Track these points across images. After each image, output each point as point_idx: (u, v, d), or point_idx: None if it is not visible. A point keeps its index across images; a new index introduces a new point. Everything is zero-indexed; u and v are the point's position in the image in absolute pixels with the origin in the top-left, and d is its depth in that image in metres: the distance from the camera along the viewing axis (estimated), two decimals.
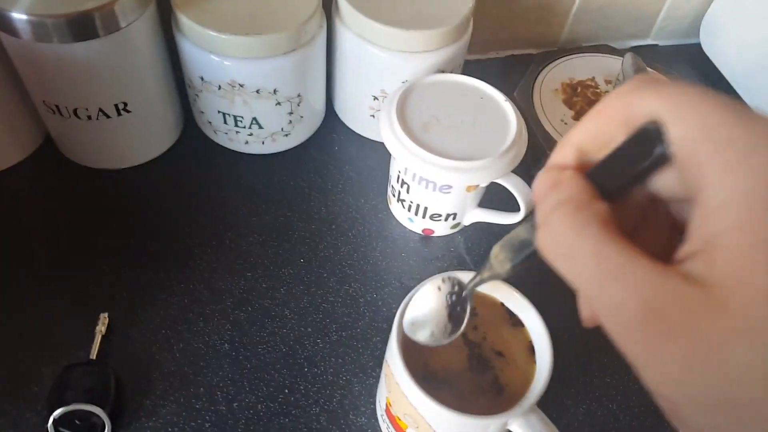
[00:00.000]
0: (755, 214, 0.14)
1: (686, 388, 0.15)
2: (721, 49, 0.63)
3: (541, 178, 0.19)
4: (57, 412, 0.36)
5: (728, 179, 0.14)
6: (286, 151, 0.53)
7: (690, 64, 0.66)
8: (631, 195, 0.17)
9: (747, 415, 0.14)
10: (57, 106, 0.45)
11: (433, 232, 0.49)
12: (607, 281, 0.16)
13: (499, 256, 0.23)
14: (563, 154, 0.18)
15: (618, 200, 0.17)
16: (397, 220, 0.50)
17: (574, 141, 0.18)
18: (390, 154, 0.44)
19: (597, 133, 0.18)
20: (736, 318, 0.14)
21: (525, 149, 0.43)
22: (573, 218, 0.16)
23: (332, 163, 0.54)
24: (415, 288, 0.33)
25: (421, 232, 0.49)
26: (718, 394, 0.15)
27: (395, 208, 0.50)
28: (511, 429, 0.30)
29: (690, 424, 0.16)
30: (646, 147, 0.16)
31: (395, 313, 0.44)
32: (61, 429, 0.36)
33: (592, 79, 0.59)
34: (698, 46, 0.66)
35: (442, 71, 0.48)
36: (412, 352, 0.31)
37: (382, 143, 0.43)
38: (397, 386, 0.31)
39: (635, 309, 0.15)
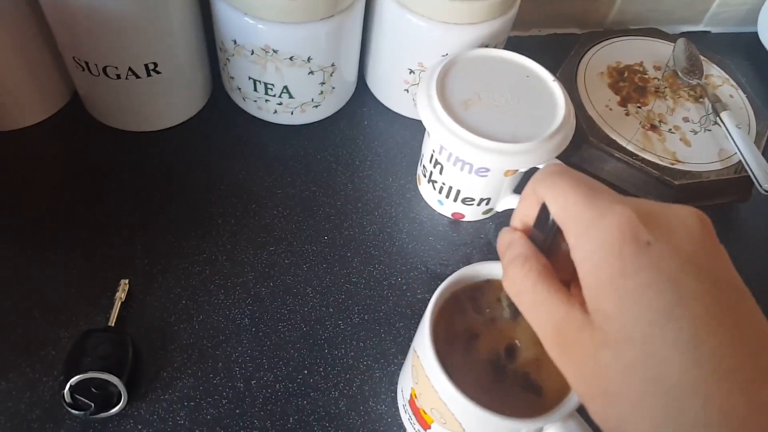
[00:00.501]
0: (597, 266, 0.20)
1: (580, 385, 0.21)
2: None
3: (501, 237, 0.26)
4: (74, 379, 0.35)
5: (580, 243, 0.21)
6: (314, 122, 0.52)
7: (744, 54, 0.63)
8: (561, 249, 0.23)
9: (614, 401, 0.20)
10: (87, 63, 0.43)
11: (463, 216, 0.47)
12: (536, 311, 0.22)
13: (503, 302, 0.31)
14: (514, 222, 0.26)
15: (553, 254, 0.24)
16: (425, 202, 0.48)
17: (516, 215, 0.26)
18: (423, 132, 0.42)
19: (524, 211, 0.25)
20: (600, 333, 0.20)
21: (572, 134, 0.41)
22: (521, 268, 0.23)
23: (361, 138, 0.52)
24: (451, 276, 0.31)
25: (450, 216, 0.47)
26: (597, 388, 0.21)
27: (425, 189, 0.48)
28: None
29: (591, 412, 0.22)
30: (545, 219, 0.23)
31: (420, 299, 0.43)
32: (77, 396, 0.35)
33: (641, 63, 0.56)
34: (754, 35, 0.62)
35: (486, 46, 0.46)
36: (444, 344, 0.29)
37: (414, 120, 0.41)
38: (426, 379, 0.29)
39: (551, 331, 0.22)
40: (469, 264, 0.32)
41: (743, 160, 0.48)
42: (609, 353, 0.20)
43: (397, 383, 0.39)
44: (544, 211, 0.23)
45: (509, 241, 0.25)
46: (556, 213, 0.22)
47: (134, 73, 0.44)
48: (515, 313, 0.30)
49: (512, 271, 0.23)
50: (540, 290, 0.22)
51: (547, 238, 0.24)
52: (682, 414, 0.19)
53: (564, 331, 0.21)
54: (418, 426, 0.34)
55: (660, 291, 0.19)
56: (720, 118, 0.51)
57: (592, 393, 0.21)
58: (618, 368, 0.20)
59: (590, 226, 0.21)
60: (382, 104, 0.54)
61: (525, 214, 0.25)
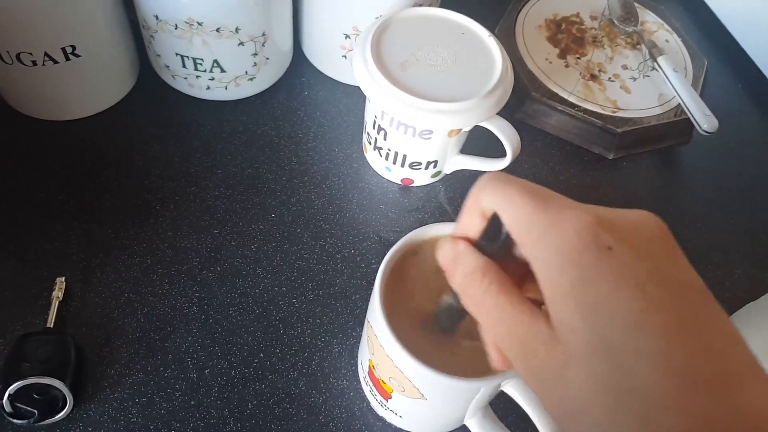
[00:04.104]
0: (556, 275, 0.19)
1: (547, 403, 0.20)
2: None
3: (443, 251, 0.23)
4: (12, 387, 0.33)
5: (535, 253, 0.20)
6: (251, 96, 0.49)
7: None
8: (513, 255, 0.22)
9: (584, 419, 0.19)
10: None
11: (412, 181, 0.46)
12: (500, 325, 0.21)
13: (443, 323, 0.28)
14: (456, 234, 0.24)
15: (506, 264, 0.22)
16: (373, 170, 0.47)
17: (459, 228, 0.24)
18: (365, 98, 0.41)
19: (467, 222, 0.23)
20: (564, 348, 0.19)
21: (511, 89, 0.40)
22: (480, 284, 0.21)
23: (302, 110, 0.50)
24: (397, 243, 0.30)
25: (399, 182, 0.47)
26: (564, 406, 0.19)
27: (371, 156, 0.46)
28: (504, 390, 0.28)
29: None
30: (496, 230, 0.21)
31: (374, 268, 0.42)
32: (18, 404, 0.33)
33: (577, 14, 0.55)
34: None
35: (420, 5, 0.44)
36: (395, 311, 0.28)
37: (356, 87, 0.40)
38: (381, 349, 0.28)
39: (517, 347, 0.20)
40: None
41: (682, 103, 0.48)
42: (575, 368, 0.19)
43: (356, 356, 0.38)
44: (494, 221, 0.22)
45: (455, 254, 0.23)
46: (508, 222, 0.21)
47: (51, 59, 0.41)
48: (451, 325, 0.27)
49: (471, 288, 0.22)
50: (502, 304, 0.21)
51: (499, 249, 0.22)
52: (656, 428, 0.17)
53: (528, 348, 0.20)
54: (379, 397, 0.34)
55: (623, 299, 0.18)
56: (657, 63, 0.51)
57: (560, 411, 0.20)
58: (585, 384, 0.18)
59: (545, 233, 0.19)
60: (322, 72, 0.52)
61: (469, 226, 0.23)
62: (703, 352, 0.18)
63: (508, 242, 0.21)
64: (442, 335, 0.28)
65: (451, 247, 0.23)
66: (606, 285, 0.18)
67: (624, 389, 0.18)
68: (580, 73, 0.51)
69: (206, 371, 0.37)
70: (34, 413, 0.33)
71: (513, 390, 0.27)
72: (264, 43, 0.45)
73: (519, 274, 0.22)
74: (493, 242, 0.22)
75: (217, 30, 0.42)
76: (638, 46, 0.54)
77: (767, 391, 0.18)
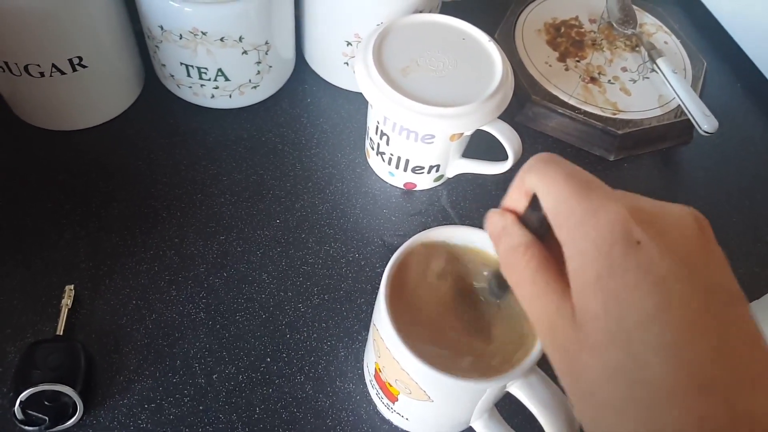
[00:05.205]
0: (586, 265, 0.20)
1: (567, 384, 0.21)
2: None
3: (492, 220, 0.24)
4: (24, 394, 0.33)
5: (570, 240, 0.20)
6: (255, 104, 0.50)
7: (675, 0, 0.63)
8: (552, 239, 0.22)
9: (598, 404, 0.19)
10: (6, 63, 0.41)
11: (415, 185, 0.47)
12: (533, 301, 0.22)
13: (494, 290, 0.29)
14: (505, 205, 0.25)
15: (546, 240, 0.22)
16: (376, 175, 0.48)
17: (505, 203, 0.24)
18: (367, 104, 0.42)
19: (513, 200, 0.24)
20: (585, 333, 0.20)
21: (512, 93, 0.40)
22: (522, 257, 0.22)
23: (305, 116, 0.50)
24: (401, 247, 0.31)
25: (402, 187, 0.47)
26: (582, 389, 0.20)
27: (374, 161, 0.47)
28: (510, 391, 0.28)
29: (576, 411, 0.21)
30: (537, 211, 0.22)
31: (379, 272, 0.43)
32: (29, 411, 0.34)
33: (576, 18, 0.56)
34: None
35: (420, 11, 0.45)
36: (401, 313, 0.29)
37: (358, 93, 0.40)
38: (387, 351, 0.29)
39: (545, 326, 0.21)
40: None
41: (682, 104, 0.49)
42: (592, 353, 0.19)
43: (362, 360, 0.38)
44: (535, 201, 0.22)
45: (503, 226, 0.23)
46: (547, 205, 0.21)
47: (59, 70, 0.42)
48: (501, 292, 0.28)
49: (513, 259, 0.22)
50: (539, 281, 0.21)
51: (541, 228, 0.23)
52: (660, 422, 0.18)
53: (555, 327, 0.21)
54: (386, 400, 0.34)
55: (647, 293, 0.19)
56: (657, 65, 0.51)
57: (578, 393, 0.20)
58: (601, 369, 0.19)
59: (582, 222, 0.20)
60: (324, 79, 0.52)
61: (514, 203, 0.24)
62: (715, 352, 0.18)
63: (547, 223, 0.22)
64: (496, 299, 0.30)
65: (499, 218, 0.24)
66: (631, 278, 0.19)
67: (636, 379, 0.18)
68: (580, 76, 0.51)
69: (214, 376, 0.37)
70: (45, 420, 0.33)
71: (519, 391, 0.28)
72: (267, 51, 0.46)
73: (559, 255, 0.22)
74: (535, 221, 0.23)
75: (221, 39, 0.43)
76: (637, 49, 0.54)
77: None
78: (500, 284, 0.28)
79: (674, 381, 0.18)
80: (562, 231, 0.21)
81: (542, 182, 0.22)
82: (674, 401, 0.18)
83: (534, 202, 0.23)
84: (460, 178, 0.47)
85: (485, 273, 0.31)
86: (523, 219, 0.23)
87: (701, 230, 0.20)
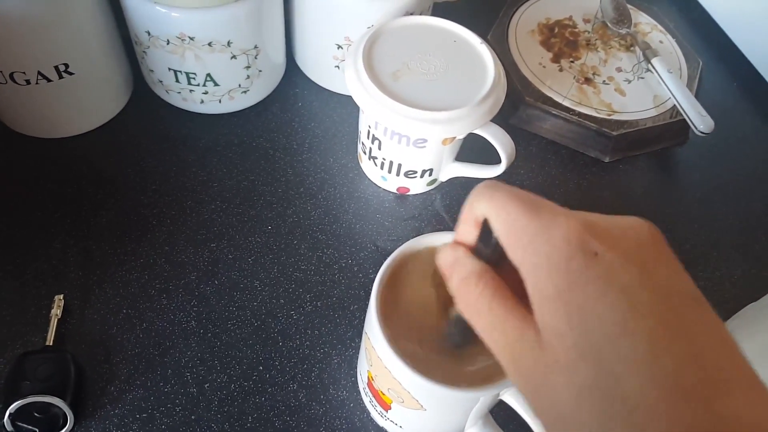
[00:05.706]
0: (544, 280, 0.19)
1: (537, 409, 0.20)
2: None
3: (443, 255, 0.24)
4: (13, 406, 0.33)
5: (524, 258, 0.20)
6: (245, 109, 0.49)
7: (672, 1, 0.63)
8: (509, 262, 0.21)
9: (572, 426, 0.18)
10: None
11: (408, 190, 0.46)
12: (494, 330, 0.21)
13: (455, 338, 0.27)
14: (455, 240, 0.24)
15: (501, 268, 0.22)
16: (369, 179, 0.47)
17: (456, 237, 0.24)
18: (358, 108, 0.41)
19: (464, 231, 0.24)
20: (551, 353, 0.19)
21: (504, 96, 0.40)
22: (474, 287, 0.22)
23: (296, 121, 0.50)
24: (393, 253, 0.30)
25: (395, 191, 0.47)
26: (553, 412, 0.19)
27: (367, 166, 0.46)
28: (503, 399, 0.28)
29: None
30: (489, 237, 0.22)
31: (372, 278, 0.42)
32: (19, 423, 0.33)
33: (570, 18, 0.55)
34: None
35: (411, 14, 0.45)
36: (392, 321, 0.28)
37: (349, 96, 0.40)
38: (379, 360, 0.28)
39: (507, 354, 0.20)
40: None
41: (677, 104, 0.48)
42: (562, 373, 0.19)
43: (356, 367, 0.38)
44: (486, 228, 0.22)
45: (454, 259, 0.23)
46: (498, 229, 0.21)
47: (45, 77, 0.42)
48: (466, 338, 0.26)
49: (466, 290, 0.22)
50: (496, 308, 0.21)
51: (492, 254, 0.22)
52: None
53: (518, 353, 0.20)
54: (379, 408, 0.33)
55: (612, 303, 0.18)
56: (651, 65, 0.51)
57: (550, 416, 0.20)
58: (573, 389, 0.18)
59: (534, 239, 0.20)
60: (315, 83, 0.52)
61: (465, 234, 0.23)
62: (690, 359, 0.18)
63: (500, 248, 0.21)
64: (455, 350, 0.28)
65: (450, 252, 0.23)
66: (593, 290, 0.18)
67: (612, 396, 0.18)
68: (574, 77, 0.51)
69: (206, 385, 0.37)
70: None
71: (512, 399, 0.27)
72: (256, 55, 0.45)
73: (517, 281, 0.21)
74: (487, 249, 0.22)
75: (209, 44, 0.42)
76: (632, 48, 0.54)
77: (753, 398, 0.18)
78: (461, 329, 0.26)
79: (656, 393, 0.17)
80: (516, 252, 0.20)
81: (491, 206, 0.21)
82: (659, 413, 0.17)
83: (484, 232, 0.22)
84: (454, 181, 0.47)
85: (447, 324, 0.28)
86: (476, 250, 0.23)
87: (655, 238, 0.20)
